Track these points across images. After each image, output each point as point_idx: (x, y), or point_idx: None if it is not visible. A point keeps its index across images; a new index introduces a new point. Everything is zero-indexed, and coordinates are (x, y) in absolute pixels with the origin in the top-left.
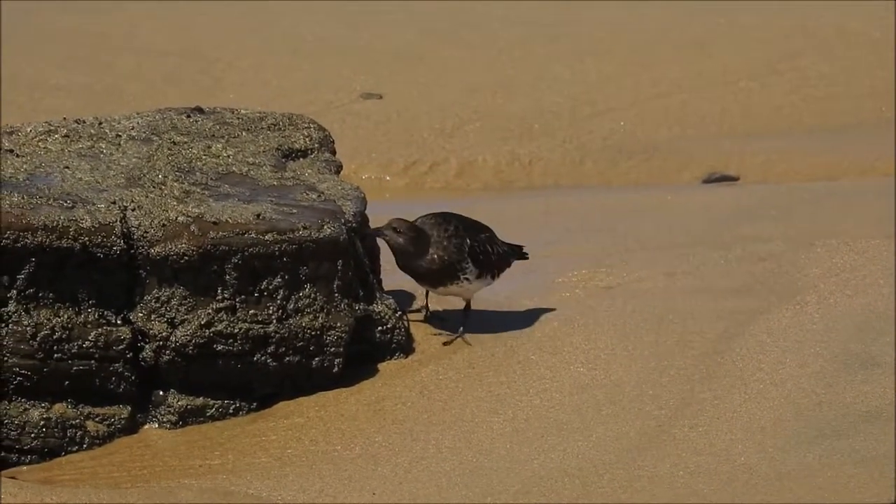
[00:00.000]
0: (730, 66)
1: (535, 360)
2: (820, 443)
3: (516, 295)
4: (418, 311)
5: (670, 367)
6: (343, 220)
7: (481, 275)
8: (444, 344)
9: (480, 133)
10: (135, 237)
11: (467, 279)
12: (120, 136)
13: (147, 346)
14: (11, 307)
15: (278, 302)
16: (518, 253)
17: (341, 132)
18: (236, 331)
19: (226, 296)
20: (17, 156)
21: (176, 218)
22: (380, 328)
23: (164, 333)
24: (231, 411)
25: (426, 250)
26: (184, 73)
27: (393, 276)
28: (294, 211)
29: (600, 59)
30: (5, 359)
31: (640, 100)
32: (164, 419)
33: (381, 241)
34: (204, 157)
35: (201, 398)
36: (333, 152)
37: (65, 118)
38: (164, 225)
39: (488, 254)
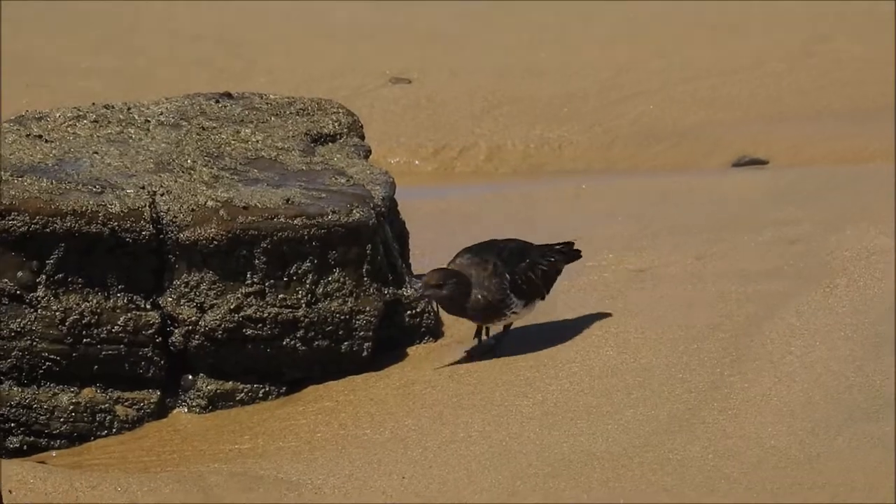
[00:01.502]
0: (759, 50)
1: (564, 344)
2: (850, 426)
3: None
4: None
5: (700, 350)
6: (372, 205)
7: (529, 303)
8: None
9: (510, 117)
10: (164, 222)
11: (514, 312)
12: (149, 121)
13: (176, 331)
14: (40, 292)
15: (307, 286)
16: (569, 254)
17: (370, 117)
18: (265, 315)
19: (255, 280)
20: (46, 141)
21: (205, 203)
22: (409, 312)
23: (193, 318)
24: (260, 396)
25: (469, 293)
26: (214, 58)
27: (422, 260)
28: (323, 195)
29: (630, 42)
30: (34, 344)
31: (669, 83)
32: (194, 404)
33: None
34: (233, 142)
35: (230, 383)
36: (362, 137)
37: (94, 103)
38: (193, 210)
39: (532, 281)
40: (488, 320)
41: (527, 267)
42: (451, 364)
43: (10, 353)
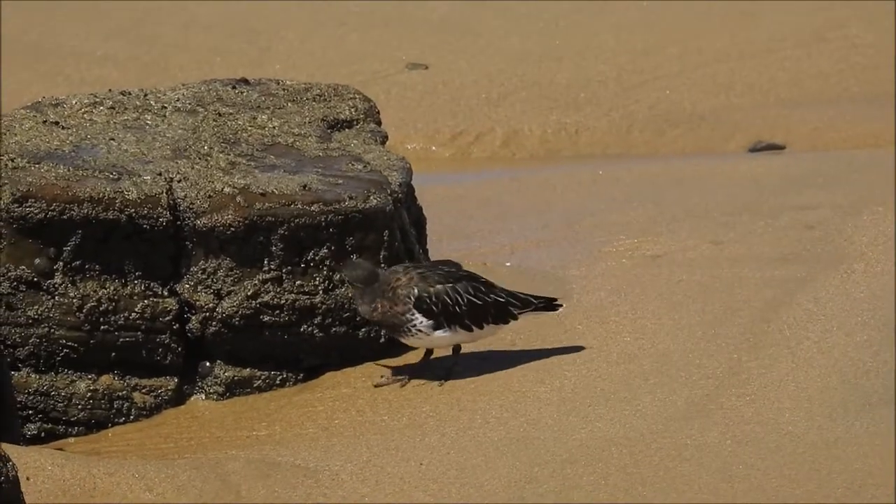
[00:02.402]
0: (777, 35)
1: (581, 330)
2: (867, 411)
3: (563, 264)
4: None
5: (717, 336)
6: (389, 191)
7: (444, 328)
8: (375, 385)
9: (526, 103)
10: (181, 208)
11: (421, 331)
12: (165, 107)
13: (193, 318)
14: (58, 279)
15: (324, 273)
16: (538, 306)
17: (387, 103)
18: (283, 302)
19: (272, 267)
20: (63, 128)
21: (222, 189)
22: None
23: (210, 305)
24: (278, 382)
25: (374, 296)
26: (230, 45)
27: (439, 246)
28: (340, 182)
29: (647, 27)
30: (52, 331)
31: (686, 68)
32: (211, 390)
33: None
34: (249, 128)
35: (248, 369)
36: (379, 123)
37: (110, 90)
38: (210, 196)
39: (447, 305)
40: (391, 331)
41: (446, 290)
42: (469, 349)
43: (28, 340)
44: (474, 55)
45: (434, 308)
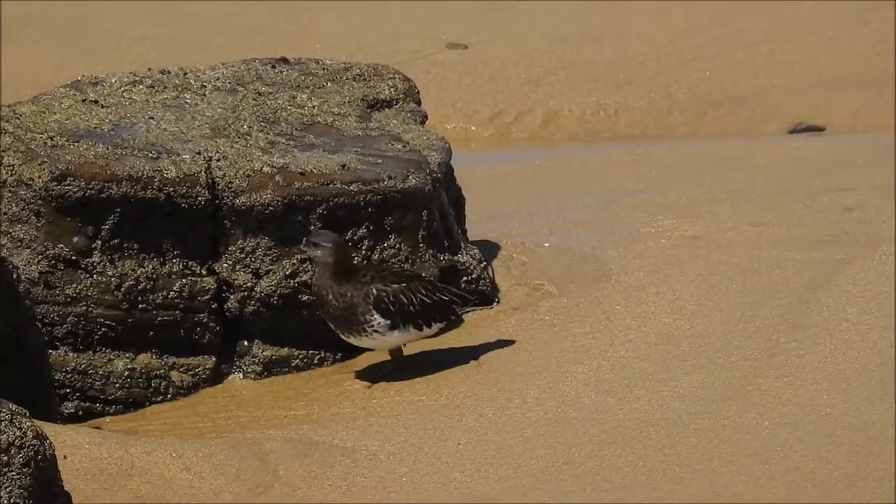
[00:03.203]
0: (817, 16)
1: (620, 311)
2: None
3: (602, 245)
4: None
5: (756, 317)
6: (428, 171)
7: (399, 328)
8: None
9: (566, 83)
10: (220, 187)
11: (377, 331)
12: (205, 86)
13: (232, 297)
14: (96, 258)
15: (363, 252)
16: (476, 301)
17: (426, 82)
18: None
19: None
20: (102, 106)
21: (261, 168)
22: (465, 278)
23: (248, 284)
24: (315, 362)
25: (334, 284)
26: (270, 24)
27: (478, 226)
28: (379, 161)
29: (687, 8)
30: (90, 309)
31: (726, 49)
32: (249, 370)
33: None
34: (289, 107)
35: (286, 349)
36: (418, 102)
37: (150, 68)
38: (248, 175)
39: (403, 304)
40: (345, 327)
41: (402, 289)
42: (507, 331)
43: (66, 318)
44: (514, 35)
45: (391, 308)
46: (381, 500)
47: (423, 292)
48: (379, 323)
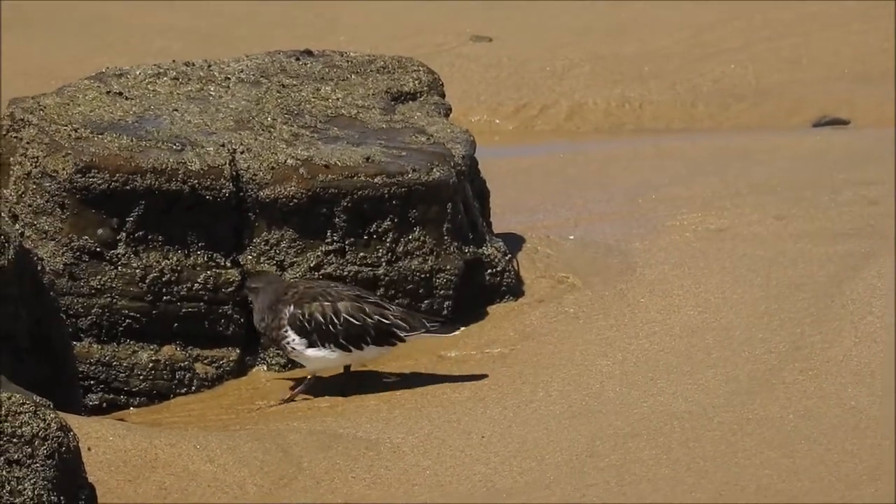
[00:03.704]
0: (842, 9)
1: (644, 304)
2: None
3: (627, 238)
4: None
5: (780, 310)
6: (452, 163)
7: (317, 346)
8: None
9: (591, 76)
10: (244, 180)
11: (295, 349)
12: (229, 78)
13: None
14: (121, 249)
15: (387, 245)
16: (432, 328)
17: (451, 75)
18: (345, 273)
19: (335, 238)
20: (127, 98)
21: (285, 161)
22: (489, 271)
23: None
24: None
25: (266, 307)
26: (295, 16)
27: (502, 219)
28: (403, 154)
29: (712, 1)
30: (114, 301)
31: (751, 42)
32: (273, 362)
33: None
34: (313, 99)
35: None
36: (443, 95)
37: (174, 61)
38: (273, 167)
39: (320, 324)
40: (270, 343)
41: (322, 308)
42: (531, 323)
43: (91, 310)
44: (539, 28)
45: (307, 326)
46: (405, 493)
47: (353, 313)
48: (294, 340)
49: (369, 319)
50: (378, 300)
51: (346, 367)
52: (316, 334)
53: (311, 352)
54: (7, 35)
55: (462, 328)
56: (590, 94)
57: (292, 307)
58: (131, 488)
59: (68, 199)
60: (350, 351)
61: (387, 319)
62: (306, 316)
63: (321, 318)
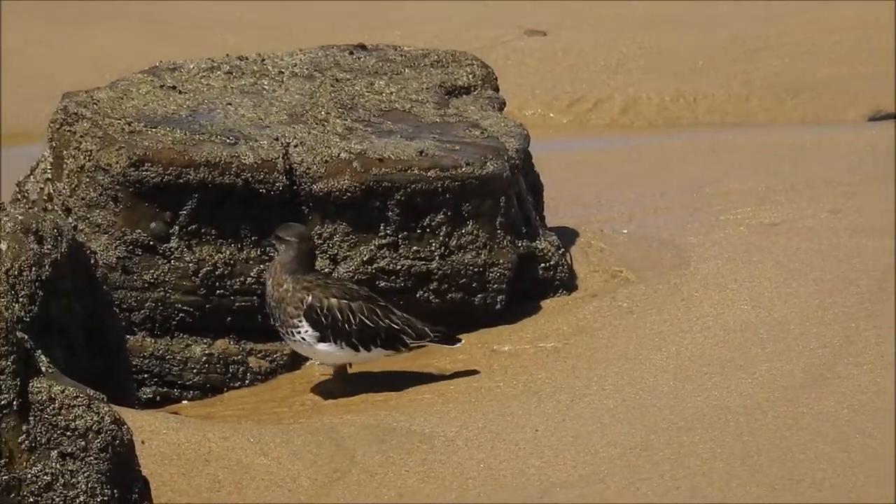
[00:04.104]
0: None
1: (698, 298)
2: None
3: (681, 232)
4: None
5: (834, 304)
6: (506, 157)
7: (328, 341)
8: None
9: (645, 70)
10: (297, 173)
11: (304, 339)
12: (283, 72)
13: None
14: (174, 243)
15: (441, 239)
16: (434, 338)
17: (505, 69)
18: (399, 267)
19: (388, 232)
20: (180, 92)
21: (338, 154)
22: (543, 265)
23: (326, 270)
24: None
25: (287, 280)
26: (348, 10)
27: (556, 213)
28: (457, 148)
29: None
30: (167, 295)
31: (806, 36)
32: None
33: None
34: (367, 93)
35: None
36: (497, 89)
37: (227, 55)
38: (326, 161)
39: (336, 319)
40: (278, 322)
41: (339, 305)
42: (585, 317)
43: (144, 304)
44: (593, 22)
45: (323, 320)
46: (459, 487)
47: (367, 314)
48: (307, 332)
49: (381, 322)
50: (386, 304)
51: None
52: (331, 330)
53: (321, 346)
54: (61, 29)
55: (462, 341)
56: (644, 88)
57: (310, 297)
58: (185, 482)
59: (121, 192)
60: (358, 351)
61: (396, 325)
62: (324, 310)
63: (339, 315)
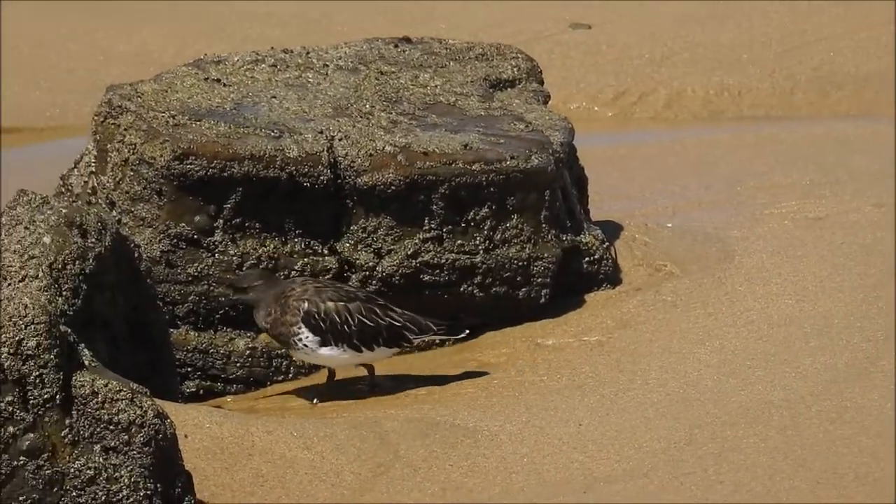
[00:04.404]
0: None
1: (742, 292)
2: None
3: (725, 226)
4: None
5: (879, 298)
6: (551, 151)
7: (331, 345)
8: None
9: (690, 63)
10: (341, 167)
11: (307, 346)
12: (327, 65)
13: (353, 276)
14: (217, 237)
15: (485, 232)
16: (437, 331)
17: (549, 62)
18: (443, 261)
19: (432, 226)
20: (225, 85)
21: (383, 148)
22: (587, 259)
23: (370, 263)
24: (437, 342)
25: (269, 305)
26: (394, 3)
27: (601, 206)
28: (501, 141)
29: None
30: (211, 288)
31: (850, 29)
32: None
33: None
34: (411, 86)
35: None
36: (541, 82)
37: (272, 47)
38: (371, 155)
39: (335, 323)
40: (280, 343)
41: (337, 308)
42: (629, 312)
43: (188, 297)
44: (637, 15)
45: (322, 325)
46: (502, 481)
47: (365, 314)
48: (307, 338)
49: (382, 321)
50: (385, 302)
51: (370, 368)
52: (331, 333)
53: (323, 350)
54: (105, 21)
55: (467, 331)
56: (688, 81)
57: (306, 304)
58: (228, 476)
59: (166, 185)
60: (361, 352)
61: (397, 322)
62: (321, 315)
63: (337, 318)
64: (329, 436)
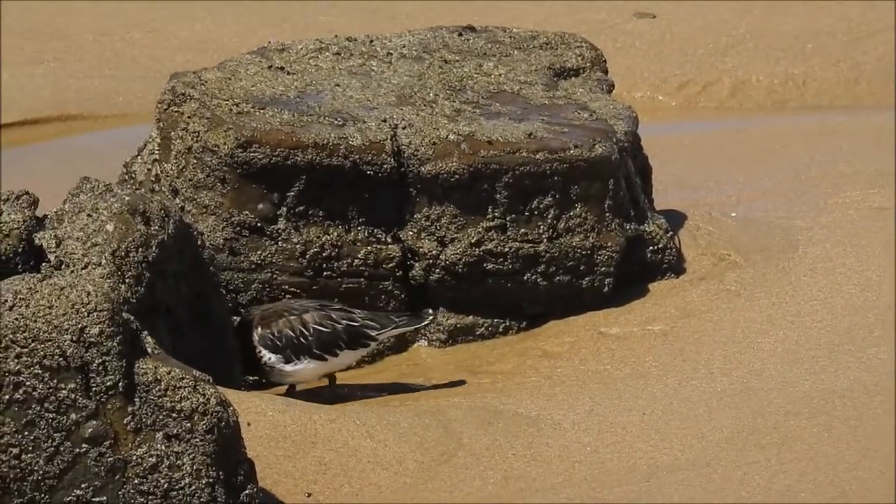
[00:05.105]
0: None
1: (806, 282)
2: None
3: (789, 215)
4: None
5: None
6: (615, 140)
7: (294, 360)
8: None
9: (754, 53)
10: (405, 155)
11: (278, 367)
12: (391, 53)
13: (417, 265)
14: (281, 224)
15: (549, 221)
16: (401, 323)
17: (613, 52)
18: (506, 250)
19: (496, 215)
20: (288, 73)
21: (447, 136)
22: (651, 248)
23: (433, 252)
24: (500, 330)
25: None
26: None
27: (665, 196)
28: (565, 130)
29: None
30: (275, 276)
31: None
32: (434, 338)
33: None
34: (475, 75)
35: (470, 317)
36: (605, 71)
37: (336, 36)
38: (434, 143)
39: (290, 337)
40: (259, 375)
41: (288, 323)
42: (693, 301)
43: (251, 285)
44: (701, 4)
45: (278, 343)
46: (565, 470)
47: (319, 321)
48: (271, 359)
49: (338, 325)
50: (342, 306)
51: (332, 380)
52: (289, 349)
53: (288, 367)
54: (169, 9)
55: (431, 314)
56: (753, 70)
57: (259, 329)
58: (291, 464)
59: (229, 173)
60: (325, 360)
61: (355, 322)
62: (276, 333)
63: (291, 333)
64: (392, 424)
